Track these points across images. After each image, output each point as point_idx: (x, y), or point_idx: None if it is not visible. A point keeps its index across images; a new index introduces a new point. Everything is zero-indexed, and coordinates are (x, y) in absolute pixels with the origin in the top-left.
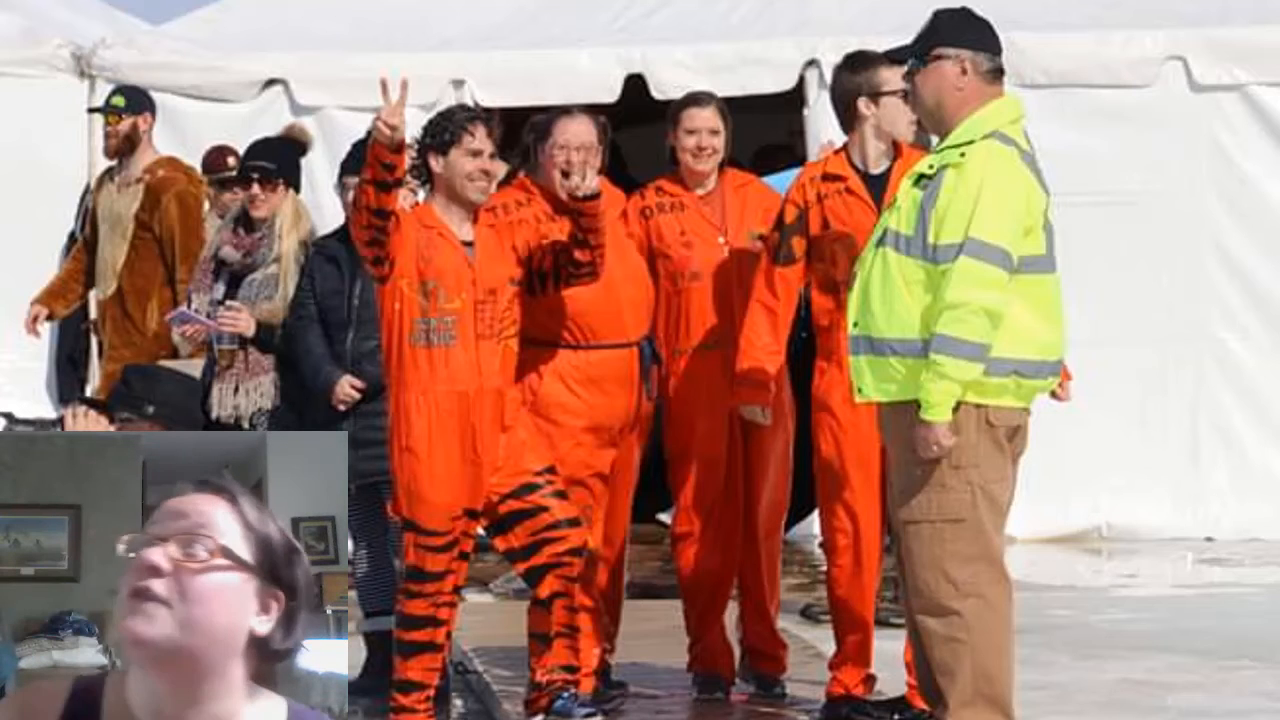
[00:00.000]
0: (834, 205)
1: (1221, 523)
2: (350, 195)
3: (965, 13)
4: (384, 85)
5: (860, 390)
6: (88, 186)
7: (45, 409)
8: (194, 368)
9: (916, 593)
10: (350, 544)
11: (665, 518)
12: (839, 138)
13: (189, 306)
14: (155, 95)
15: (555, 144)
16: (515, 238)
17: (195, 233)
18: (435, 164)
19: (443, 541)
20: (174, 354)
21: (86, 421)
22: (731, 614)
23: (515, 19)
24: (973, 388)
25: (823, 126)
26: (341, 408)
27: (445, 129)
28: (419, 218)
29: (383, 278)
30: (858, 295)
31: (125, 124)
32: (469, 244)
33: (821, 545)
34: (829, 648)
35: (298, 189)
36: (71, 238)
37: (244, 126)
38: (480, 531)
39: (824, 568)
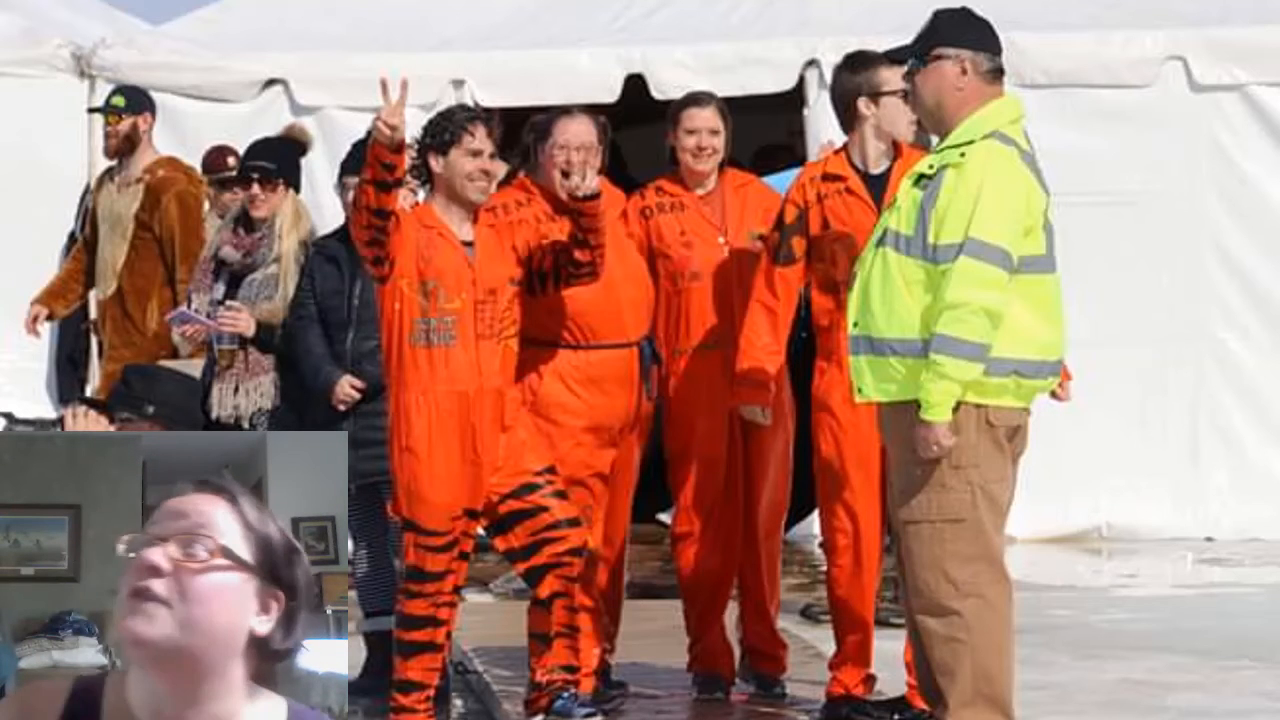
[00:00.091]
0: (834, 205)
1: (1221, 523)
2: (350, 195)
3: (965, 13)
4: (384, 85)
5: (860, 390)
6: (88, 186)
7: (45, 409)
8: (194, 368)
9: (916, 593)
10: (350, 544)
11: (665, 518)
12: (839, 138)
13: (189, 306)
14: (155, 95)
15: (555, 144)
16: (515, 238)
17: (195, 233)
18: (435, 164)
19: (443, 541)
20: (174, 354)
21: (86, 421)
22: (731, 614)
23: (515, 19)
24: (973, 388)
25: (823, 126)
26: (341, 408)
27: (445, 129)
28: (419, 218)
29: (383, 278)
30: (858, 295)
31: (125, 124)
32: (469, 244)
33: (821, 545)
34: (829, 648)
35: (298, 189)
36: (71, 238)
37: (244, 126)
38: (480, 531)
39: (824, 568)
